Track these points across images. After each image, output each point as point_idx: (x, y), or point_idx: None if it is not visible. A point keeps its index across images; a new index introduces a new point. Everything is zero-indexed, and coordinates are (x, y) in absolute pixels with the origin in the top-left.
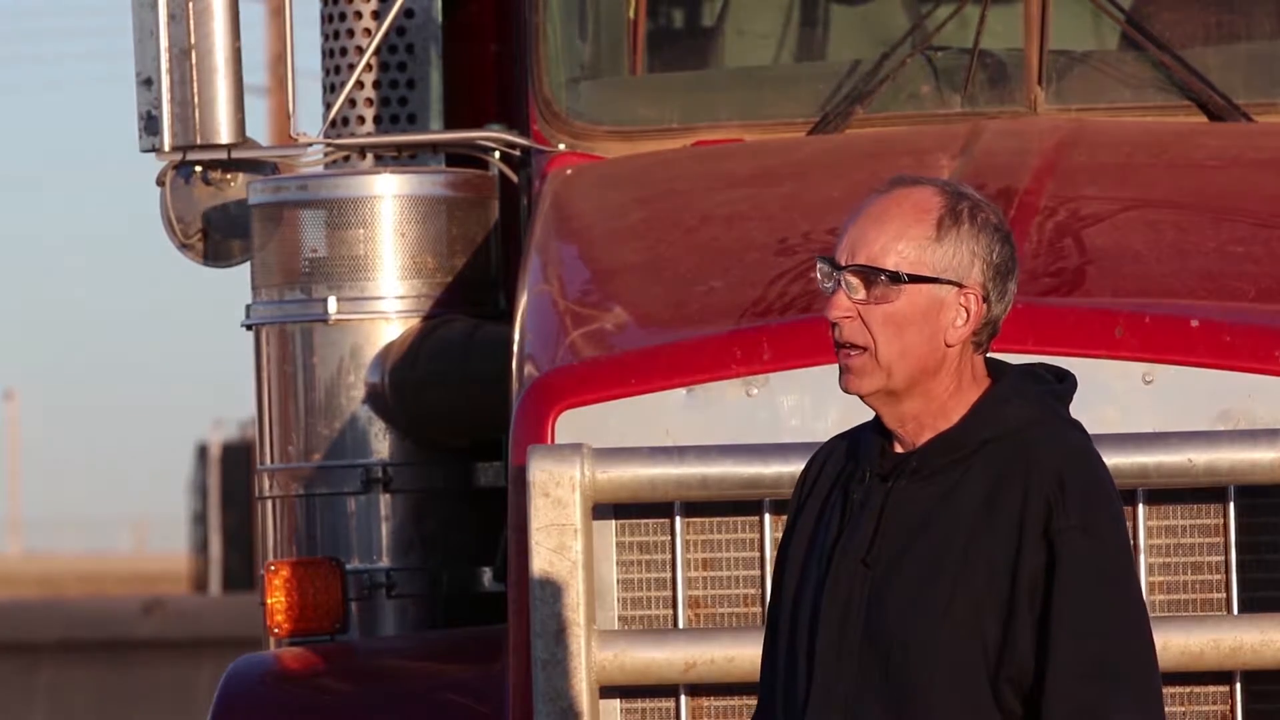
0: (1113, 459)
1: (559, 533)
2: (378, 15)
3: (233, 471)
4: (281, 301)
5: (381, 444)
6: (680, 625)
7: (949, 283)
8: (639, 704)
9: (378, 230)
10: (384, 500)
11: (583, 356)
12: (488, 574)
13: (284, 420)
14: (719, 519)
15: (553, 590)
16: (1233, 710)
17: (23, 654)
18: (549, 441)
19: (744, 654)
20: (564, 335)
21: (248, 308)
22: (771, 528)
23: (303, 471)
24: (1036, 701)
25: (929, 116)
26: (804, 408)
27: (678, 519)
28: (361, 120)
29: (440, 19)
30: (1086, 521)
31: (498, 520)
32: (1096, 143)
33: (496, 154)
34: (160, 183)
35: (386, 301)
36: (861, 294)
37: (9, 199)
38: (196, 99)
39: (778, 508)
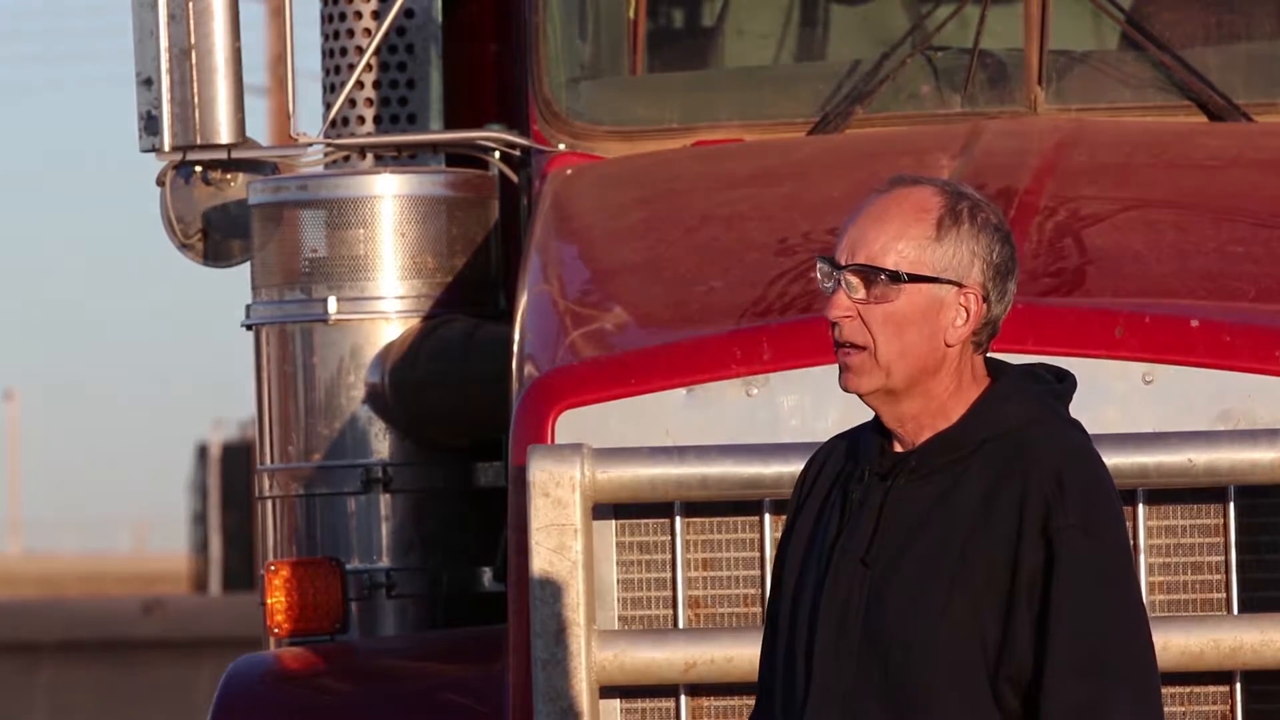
0: (1113, 459)
1: (559, 533)
2: (378, 15)
3: (233, 471)
4: (281, 301)
5: (381, 444)
6: (680, 625)
7: (949, 282)
8: (639, 704)
9: (378, 230)
10: (384, 500)
11: (583, 356)
12: (488, 574)
13: (284, 420)
14: (719, 519)
15: (553, 590)
16: (1233, 710)
17: (23, 654)
18: (549, 441)
19: (744, 654)
20: (564, 335)
21: (248, 308)
22: (771, 528)
23: (303, 471)
24: (1035, 700)
25: (929, 116)
26: (804, 408)
27: (678, 519)
28: (361, 120)
29: (440, 19)
30: (1086, 520)
31: (498, 520)
32: (1096, 143)
33: (496, 154)
34: (160, 183)
35: (386, 301)
36: (861, 293)
37: (9, 199)
38: (196, 99)
39: (778, 508)
